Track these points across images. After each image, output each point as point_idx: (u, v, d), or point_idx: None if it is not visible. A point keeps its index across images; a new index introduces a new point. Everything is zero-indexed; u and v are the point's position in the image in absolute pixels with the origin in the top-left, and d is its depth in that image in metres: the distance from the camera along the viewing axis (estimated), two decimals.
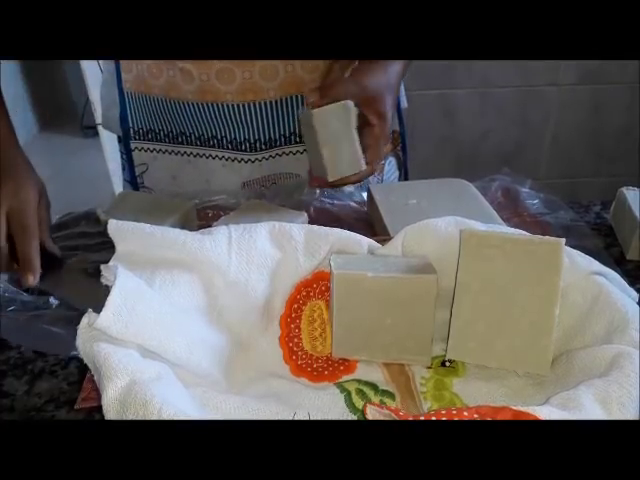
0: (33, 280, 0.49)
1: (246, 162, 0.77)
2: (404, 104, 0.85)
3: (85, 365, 0.47)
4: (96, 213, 0.70)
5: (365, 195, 0.72)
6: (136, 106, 0.77)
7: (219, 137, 0.75)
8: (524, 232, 0.48)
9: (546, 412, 0.33)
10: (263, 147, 0.76)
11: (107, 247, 0.51)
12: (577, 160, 1.75)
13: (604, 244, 0.64)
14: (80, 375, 0.47)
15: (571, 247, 0.46)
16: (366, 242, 0.50)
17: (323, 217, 0.69)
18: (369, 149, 0.61)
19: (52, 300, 0.54)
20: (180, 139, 0.77)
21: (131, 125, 0.77)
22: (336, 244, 0.48)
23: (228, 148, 0.76)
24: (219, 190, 0.74)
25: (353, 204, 0.72)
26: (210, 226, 0.51)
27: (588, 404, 0.34)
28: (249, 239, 0.46)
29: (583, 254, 0.46)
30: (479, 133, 1.65)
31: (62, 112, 3.53)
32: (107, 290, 0.39)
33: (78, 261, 0.62)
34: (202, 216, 0.70)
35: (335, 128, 0.59)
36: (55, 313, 0.53)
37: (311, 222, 0.66)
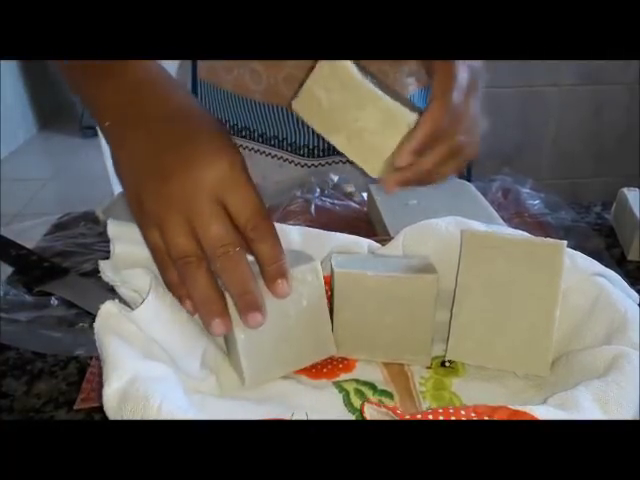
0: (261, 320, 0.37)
1: (302, 166, 0.79)
2: None
3: (84, 366, 0.47)
4: (95, 213, 0.70)
5: (365, 195, 0.72)
6: (206, 94, 0.79)
7: (280, 138, 0.78)
8: (525, 233, 0.48)
9: (544, 412, 0.33)
10: (321, 154, 0.78)
11: (106, 247, 0.51)
12: (578, 160, 1.75)
13: (605, 245, 0.64)
14: (79, 376, 0.46)
15: (572, 248, 0.46)
16: (366, 242, 0.50)
17: (323, 217, 0.68)
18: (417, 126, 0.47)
19: (53, 301, 0.54)
20: (243, 133, 0.79)
21: None
22: (335, 247, 0.48)
23: (287, 150, 0.78)
24: None
25: (353, 204, 0.72)
26: None
27: (586, 404, 0.34)
28: None
29: (584, 255, 0.46)
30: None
31: (62, 112, 3.54)
32: (106, 289, 0.39)
33: (77, 261, 0.62)
34: None
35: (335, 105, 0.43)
36: (55, 313, 0.53)
37: (312, 222, 0.66)
